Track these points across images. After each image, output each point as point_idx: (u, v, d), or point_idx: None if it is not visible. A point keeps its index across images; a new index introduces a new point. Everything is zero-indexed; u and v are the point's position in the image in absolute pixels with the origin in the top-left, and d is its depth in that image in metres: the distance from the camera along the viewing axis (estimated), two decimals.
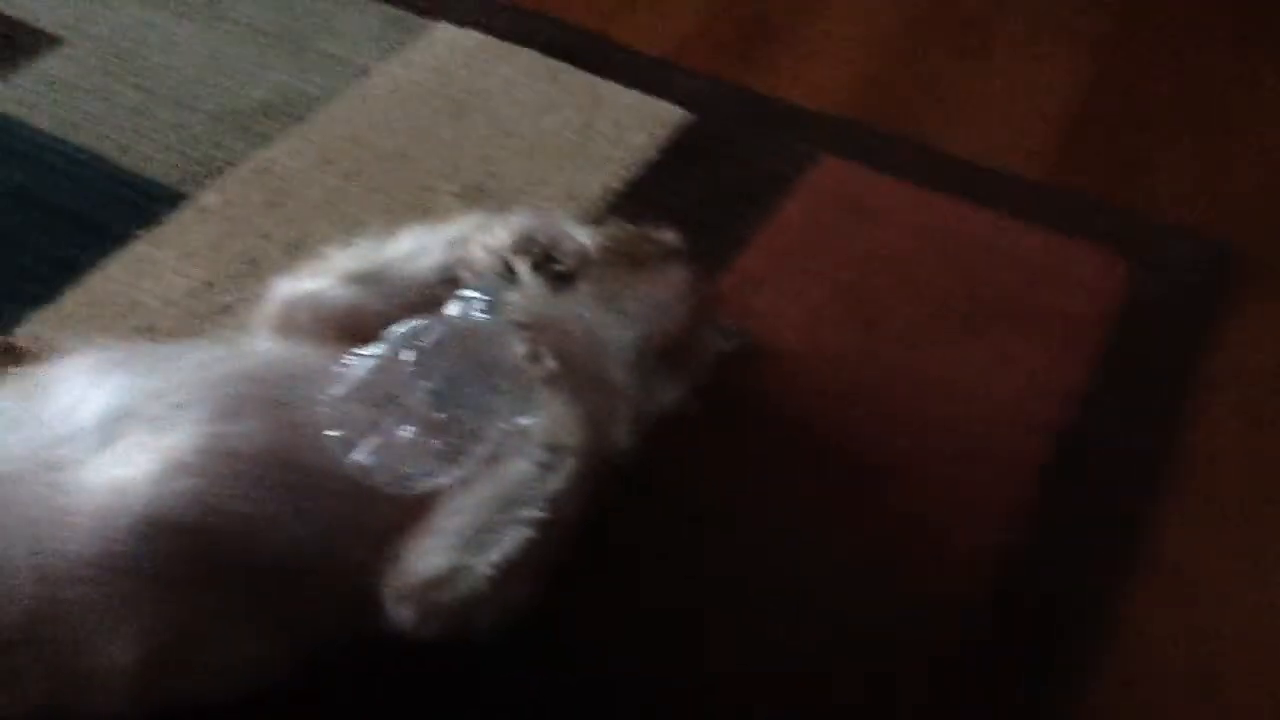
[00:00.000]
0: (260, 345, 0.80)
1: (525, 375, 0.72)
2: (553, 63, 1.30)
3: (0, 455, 0.67)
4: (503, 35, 1.34)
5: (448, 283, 0.79)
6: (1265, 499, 0.96)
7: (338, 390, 0.70)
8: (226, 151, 1.16)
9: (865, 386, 1.00)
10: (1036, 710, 0.81)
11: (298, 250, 1.03)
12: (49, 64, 1.24)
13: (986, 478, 0.94)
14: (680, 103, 1.27)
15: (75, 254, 1.03)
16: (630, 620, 0.82)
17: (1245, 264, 1.16)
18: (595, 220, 1.01)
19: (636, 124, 1.23)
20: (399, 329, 0.72)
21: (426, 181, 1.15)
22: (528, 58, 1.31)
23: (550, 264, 0.82)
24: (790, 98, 1.31)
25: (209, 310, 1.00)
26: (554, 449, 0.70)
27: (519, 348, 0.73)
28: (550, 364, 0.72)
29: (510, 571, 0.68)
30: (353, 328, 0.76)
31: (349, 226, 1.01)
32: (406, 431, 0.69)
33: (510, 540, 0.68)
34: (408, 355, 0.71)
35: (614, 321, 0.80)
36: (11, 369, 0.76)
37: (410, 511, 0.70)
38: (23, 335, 0.96)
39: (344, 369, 0.71)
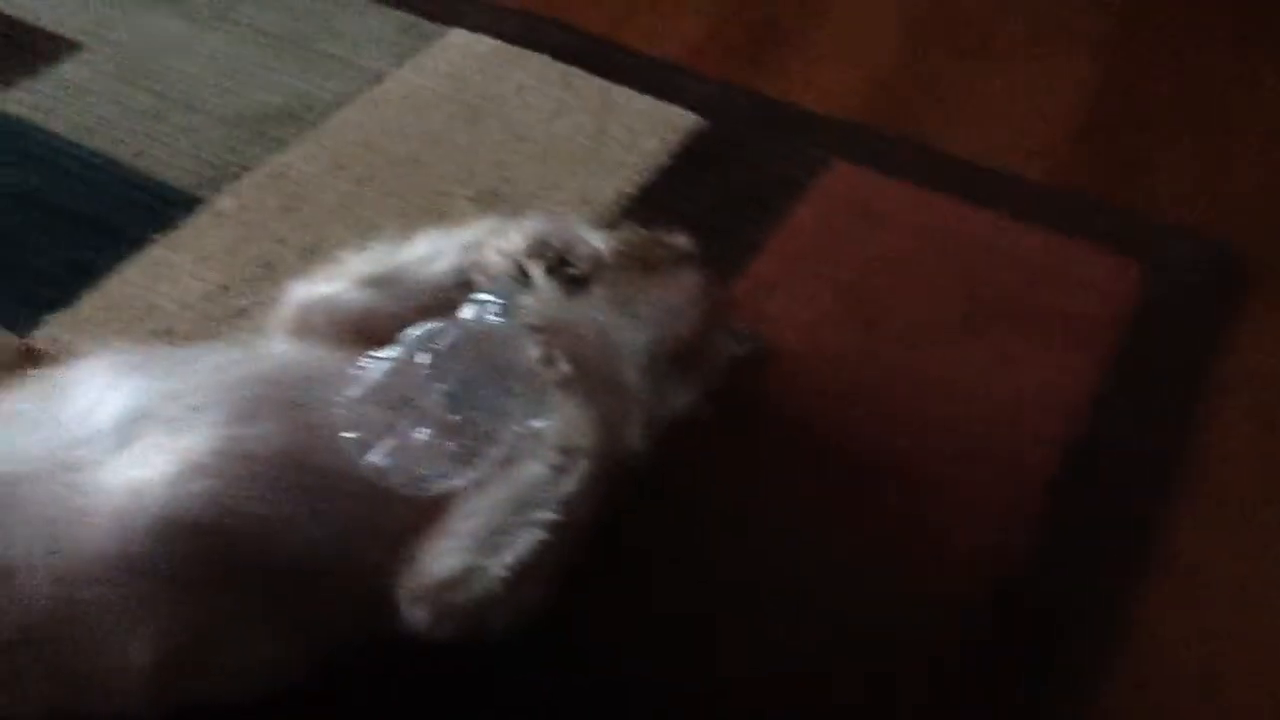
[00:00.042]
0: (276, 348, 0.80)
1: (539, 378, 0.72)
2: (565, 68, 1.31)
3: (19, 456, 0.68)
4: (515, 40, 1.34)
5: (462, 286, 0.80)
6: (1277, 501, 0.95)
7: (353, 392, 0.70)
8: (241, 156, 1.16)
9: (865, 386, 1.00)
10: (1037, 711, 0.81)
11: (313, 254, 1.03)
12: (66, 69, 1.25)
13: (986, 478, 0.94)
14: (692, 108, 1.27)
15: (91, 258, 1.04)
16: (643, 623, 0.82)
17: (1246, 264, 1.16)
18: (609, 225, 1.01)
19: (649, 129, 1.24)
20: (414, 332, 0.72)
21: (441, 186, 1.15)
22: (540, 63, 1.31)
23: (564, 268, 0.82)
24: (801, 102, 1.31)
25: (225, 313, 1.00)
26: (567, 452, 0.70)
27: (533, 351, 0.73)
28: (564, 367, 0.72)
29: (524, 573, 0.68)
30: (368, 331, 0.76)
31: (364, 231, 1.02)
32: (422, 434, 0.69)
33: (524, 542, 0.68)
34: (423, 358, 0.71)
35: (627, 325, 0.80)
36: (30, 372, 0.77)
37: (425, 513, 0.70)
38: (40, 338, 0.97)
39: (359, 372, 0.71)
